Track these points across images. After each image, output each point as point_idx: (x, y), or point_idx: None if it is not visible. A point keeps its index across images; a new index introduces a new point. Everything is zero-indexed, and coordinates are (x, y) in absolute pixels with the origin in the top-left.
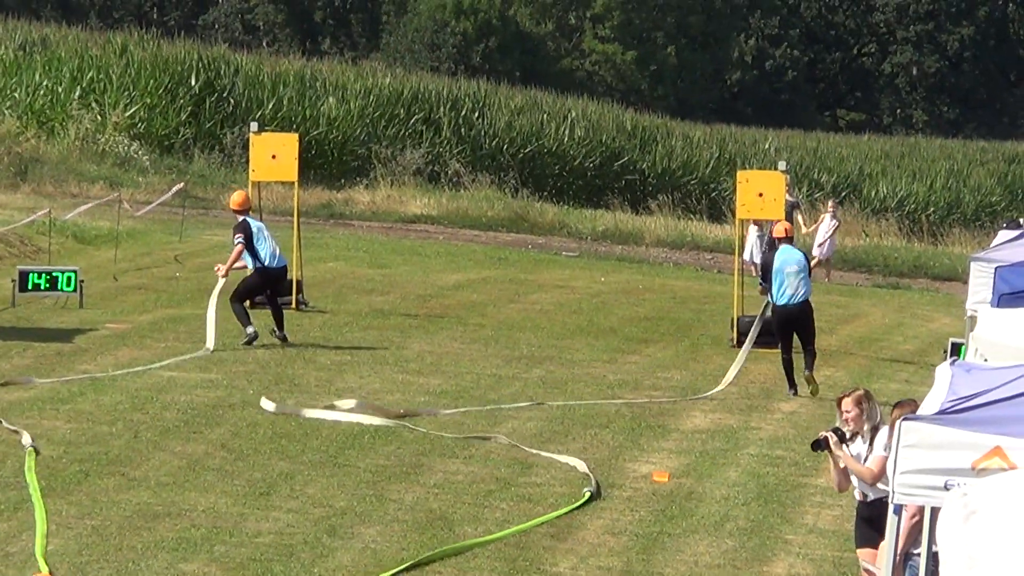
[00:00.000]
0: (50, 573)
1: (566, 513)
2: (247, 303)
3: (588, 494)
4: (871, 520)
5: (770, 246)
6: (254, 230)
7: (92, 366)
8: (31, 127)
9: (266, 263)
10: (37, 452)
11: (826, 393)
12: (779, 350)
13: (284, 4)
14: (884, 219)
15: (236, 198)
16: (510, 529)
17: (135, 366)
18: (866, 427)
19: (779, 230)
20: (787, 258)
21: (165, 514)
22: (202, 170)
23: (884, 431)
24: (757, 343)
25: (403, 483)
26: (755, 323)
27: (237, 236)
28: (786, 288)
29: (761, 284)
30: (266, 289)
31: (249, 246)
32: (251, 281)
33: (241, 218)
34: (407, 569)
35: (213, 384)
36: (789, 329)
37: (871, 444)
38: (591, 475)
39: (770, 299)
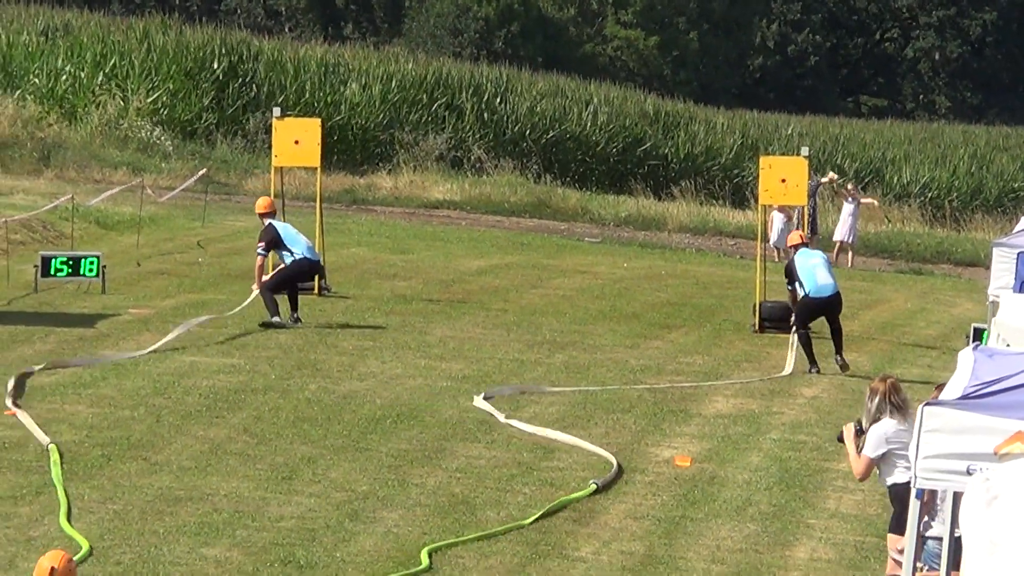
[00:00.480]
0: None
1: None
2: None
3: (594, 486)
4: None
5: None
6: (281, 231)
7: (114, 351)
8: (53, 112)
9: (304, 255)
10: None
11: (848, 378)
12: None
13: None
14: (907, 205)
15: (261, 203)
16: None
17: (157, 352)
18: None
19: (794, 238)
20: (808, 255)
21: (187, 498)
22: (225, 155)
23: (873, 429)
24: (781, 328)
25: (425, 467)
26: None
27: (260, 245)
28: (818, 279)
29: (789, 288)
30: (299, 280)
31: (277, 249)
32: (285, 271)
33: (267, 222)
34: (429, 554)
35: (235, 369)
36: (819, 316)
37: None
38: (614, 460)
39: (803, 293)
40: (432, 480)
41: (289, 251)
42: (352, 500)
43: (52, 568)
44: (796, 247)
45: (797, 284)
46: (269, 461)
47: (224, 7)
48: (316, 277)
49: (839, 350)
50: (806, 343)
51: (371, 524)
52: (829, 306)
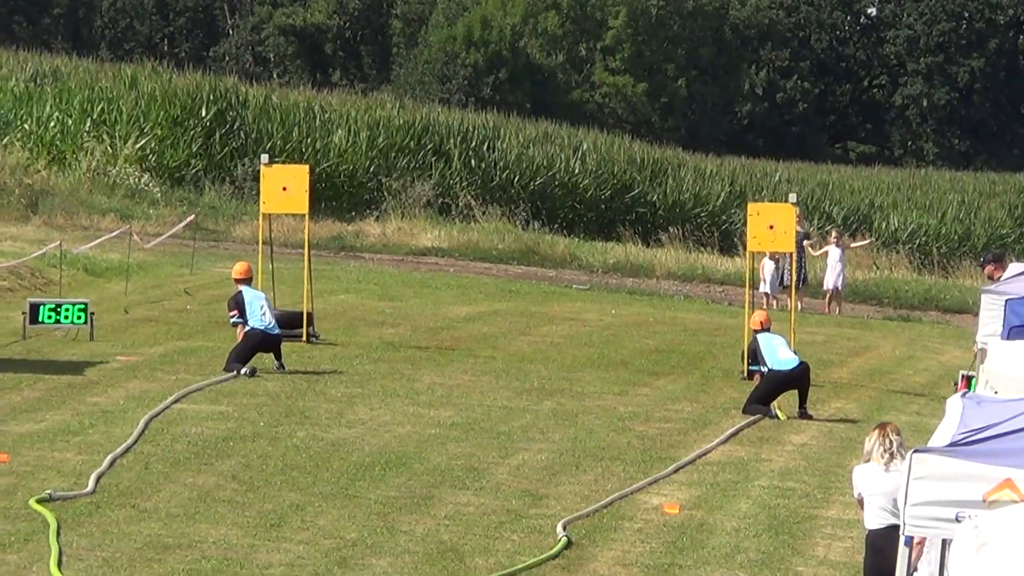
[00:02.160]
0: None
1: (535, 564)
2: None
3: (565, 540)
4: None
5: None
6: (246, 300)
7: (103, 398)
8: (42, 159)
9: (258, 327)
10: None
11: (836, 425)
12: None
13: (294, 36)
14: (895, 251)
15: (237, 268)
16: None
17: (145, 399)
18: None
19: (755, 321)
20: (770, 337)
21: (176, 546)
22: (213, 202)
23: (854, 470)
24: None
25: (414, 514)
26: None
27: (231, 314)
28: (779, 355)
29: (750, 370)
30: (255, 351)
31: (242, 316)
32: (240, 346)
33: (239, 288)
34: None
35: (223, 416)
36: (787, 389)
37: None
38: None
39: (767, 369)
40: (421, 527)
41: (248, 322)
42: (341, 547)
43: None
44: (758, 331)
45: (760, 364)
46: (257, 508)
47: (212, 54)
48: (304, 323)
49: (803, 404)
50: (762, 412)
51: (360, 571)
52: (797, 379)
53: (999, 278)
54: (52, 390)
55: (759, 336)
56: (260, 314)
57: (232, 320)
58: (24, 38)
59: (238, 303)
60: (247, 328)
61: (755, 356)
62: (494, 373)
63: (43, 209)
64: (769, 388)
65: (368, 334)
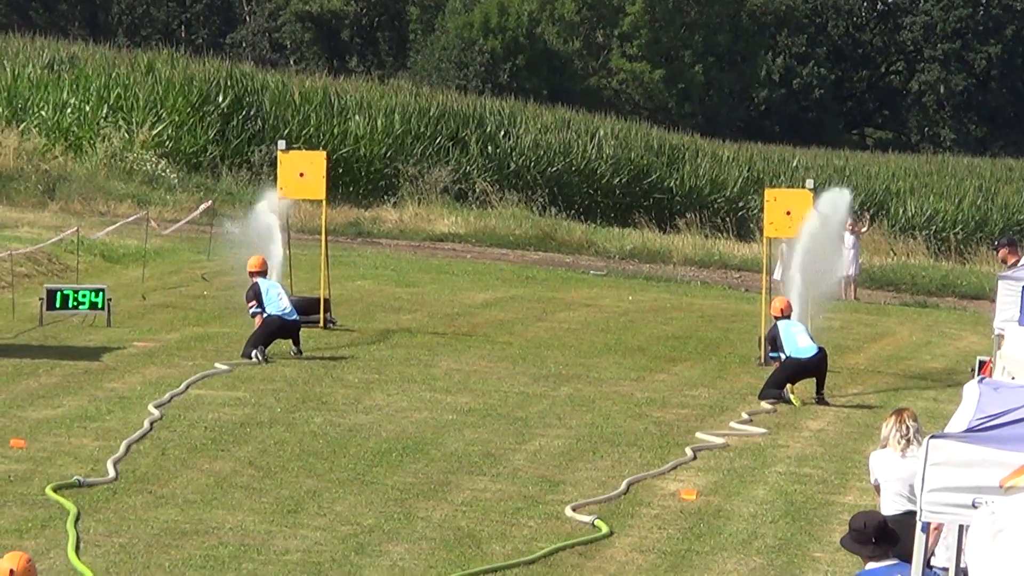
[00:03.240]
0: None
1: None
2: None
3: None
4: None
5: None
6: (263, 290)
7: (120, 384)
8: (59, 145)
9: (276, 313)
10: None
11: (854, 411)
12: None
13: (311, 23)
14: (912, 237)
15: (253, 261)
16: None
17: (162, 385)
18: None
19: (775, 308)
20: (790, 324)
21: (193, 532)
22: (230, 188)
23: (871, 456)
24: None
25: (431, 500)
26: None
27: (250, 305)
28: (799, 342)
29: (769, 357)
30: (272, 338)
31: (260, 305)
32: (257, 332)
33: (254, 280)
34: None
35: (240, 402)
36: (804, 376)
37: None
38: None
39: (786, 356)
40: (438, 513)
41: (264, 308)
42: (358, 533)
43: (11, 570)
44: (778, 317)
45: (779, 351)
46: (275, 494)
47: (230, 40)
48: (322, 309)
49: (820, 390)
50: (775, 397)
51: (377, 557)
52: (815, 366)
53: (1013, 263)
54: (69, 376)
55: (779, 323)
56: (277, 300)
57: (251, 311)
58: (41, 24)
59: (256, 294)
60: (265, 315)
61: (774, 343)
62: (511, 359)
63: (60, 195)
64: (786, 375)
65: (385, 320)
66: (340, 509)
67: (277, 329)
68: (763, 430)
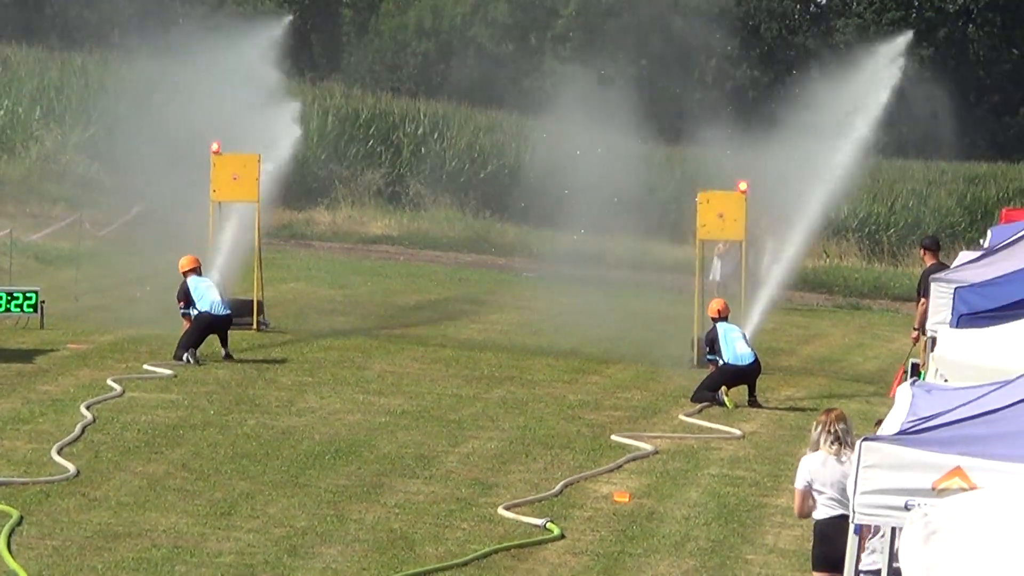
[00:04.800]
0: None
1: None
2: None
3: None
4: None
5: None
6: (192, 288)
7: (53, 387)
8: None
9: (205, 310)
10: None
11: (786, 413)
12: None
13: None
14: (845, 239)
15: (183, 261)
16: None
17: (95, 387)
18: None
19: (712, 309)
20: (729, 328)
21: (126, 534)
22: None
23: (802, 460)
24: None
25: (364, 503)
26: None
27: (179, 305)
28: (736, 349)
29: (707, 359)
30: (205, 334)
31: (189, 305)
32: (189, 330)
33: (187, 279)
34: None
35: (174, 404)
36: (739, 383)
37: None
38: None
39: (723, 361)
40: (371, 516)
41: (195, 307)
42: (291, 536)
43: None
44: (716, 319)
45: (717, 355)
46: (208, 497)
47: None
48: (255, 311)
49: (752, 392)
50: (709, 399)
51: (310, 560)
52: (751, 374)
53: (932, 265)
54: (2, 378)
55: (718, 325)
56: (207, 293)
57: (181, 311)
58: None
59: (185, 293)
60: (194, 314)
61: (712, 345)
62: (444, 361)
63: None
64: (722, 380)
65: (318, 322)
66: (273, 511)
67: (207, 326)
68: (739, 432)
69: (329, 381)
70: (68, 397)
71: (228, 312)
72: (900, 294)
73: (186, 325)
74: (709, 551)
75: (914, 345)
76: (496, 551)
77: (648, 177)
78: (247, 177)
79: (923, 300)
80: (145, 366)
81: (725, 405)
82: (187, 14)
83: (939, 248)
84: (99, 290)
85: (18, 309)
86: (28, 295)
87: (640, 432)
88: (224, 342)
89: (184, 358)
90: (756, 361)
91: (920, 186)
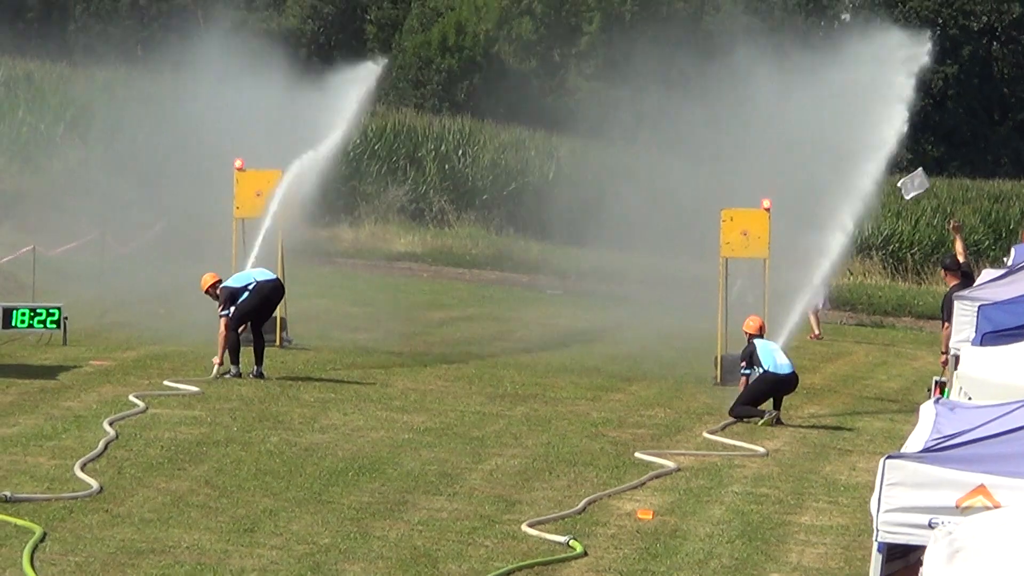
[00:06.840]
0: None
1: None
2: (242, 330)
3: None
4: None
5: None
6: (232, 282)
7: (76, 403)
8: (15, 163)
9: (260, 280)
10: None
11: (810, 431)
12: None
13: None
14: (869, 257)
15: (205, 280)
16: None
17: (118, 404)
18: None
19: (750, 326)
20: (767, 343)
21: (149, 551)
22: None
23: None
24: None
25: (387, 520)
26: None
27: (220, 308)
28: (777, 359)
29: (742, 373)
30: (262, 308)
31: (234, 301)
32: (246, 303)
33: (219, 288)
34: None
35: (197, 421)
36: (774, 394)
37: None
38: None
39: (762, 371)
40: (394, 533)
41: (246, 289)
42: (314, 553)
43: None
44: (753, 335)
45: (756, 367)
46: (231, 513)
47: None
48: (277, 327)
49: (776, 407)
50: (746, 414)
51: None
52: (787, 383)
53: (954, 285)
54: (24, 395)
55: (756, 341)
56: (252, 274)
57: (221, 313)
58: None
59: (228, 293)
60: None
61: (750, 358)
62: (467, 378)
63: (15, 213)
64: (762, 389)
65: (341, 339)
66: (296, 528)
67: (267, 297)
68: (763, 450)
69: (352, 398)
70: (91, 413)
71: (276, 277)
72: (924, 312)
73: (222, 326)
74: (733, 569)
75: (944, 368)
76: (519, 568)
77: (672, 193)
78: (270, 193)
79: (947, 324)
80: (166, 382)
81: (772, 414)
82: (209, 31)
83: (960, 268)
84: (122, 306)
85: (41, 325)
86: (51, 311)
87: (664, 450)
88: (259, 358)
89: (220, 372)
90: (795, 373)
91: (944, 203)
